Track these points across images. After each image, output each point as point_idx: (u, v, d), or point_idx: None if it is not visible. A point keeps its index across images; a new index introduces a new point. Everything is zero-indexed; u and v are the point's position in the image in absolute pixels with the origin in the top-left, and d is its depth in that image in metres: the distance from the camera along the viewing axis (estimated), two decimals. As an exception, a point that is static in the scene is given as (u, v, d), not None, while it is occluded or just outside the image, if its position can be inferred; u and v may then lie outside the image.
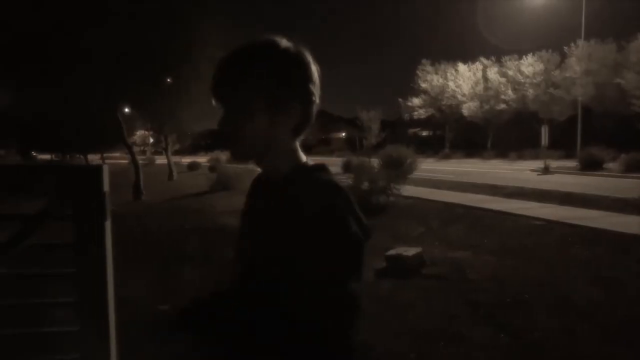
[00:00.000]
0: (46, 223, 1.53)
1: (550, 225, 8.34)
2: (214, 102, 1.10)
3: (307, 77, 1.06)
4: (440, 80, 53.05)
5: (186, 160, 39.06)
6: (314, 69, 1.08)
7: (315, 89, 1.07)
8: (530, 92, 44.51)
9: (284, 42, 1.05)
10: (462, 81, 50.77)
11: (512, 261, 6.11)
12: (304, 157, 1.12)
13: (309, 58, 1.07)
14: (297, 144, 1.12)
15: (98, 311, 1.68)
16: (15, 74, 19.95)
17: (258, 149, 1.07)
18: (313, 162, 1.12)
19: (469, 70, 51.29)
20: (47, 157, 67.53)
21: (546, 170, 22.15)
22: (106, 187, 1.66)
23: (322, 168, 1.10)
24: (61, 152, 61.71)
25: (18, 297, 1.75)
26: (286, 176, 1.07)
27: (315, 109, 1.09)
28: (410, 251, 5.90)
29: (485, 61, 50.70)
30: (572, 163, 25.78)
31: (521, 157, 37.45)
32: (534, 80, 44.74)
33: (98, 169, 1.64)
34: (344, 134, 75.68)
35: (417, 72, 55.48)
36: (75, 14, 17.00)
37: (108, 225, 1.69)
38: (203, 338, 1.25)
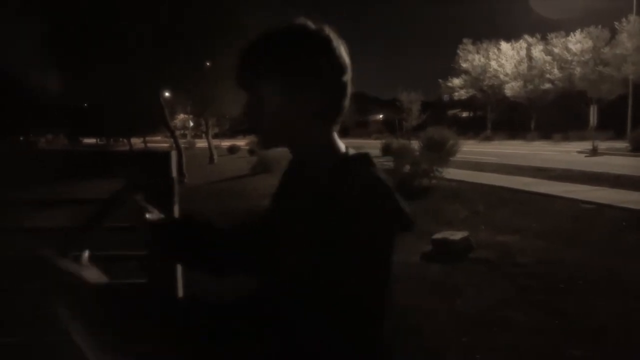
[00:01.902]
0: (120, 206, 1.59)
1: (601, 208, 8.04)
2: (239, 89, 1.07)
3: (331, 61, 1.00)
4: (482, 59, 51.55)
5: (226, 143, 39.62)
6: (342, 53, 1.02)
7: (342, 67, 1.02)
8: (578, 71, 42.66)
9: (308, 26, 1.01)
10: (505, 60, 49.17)
11: (563, 245, 5.94)
12: (343, 147, 1.07)
13: (336, 42, 1.01)
14: (334, 133, 1.07)
15: (168, 292, 1.74)
16: (63, 62, 20.63)
17: (283, 136, 1.04)
18: (354, 152, 1.06)
19: (512, 49, 49.59)
20: (92, 141, 70.03)
21: (594, 152, 21.32)
22: (174, 172, 1.70)
23: (364, 160, 1.04)
24: (106, 136, 63.88)
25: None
26: (325, 169, 1.01)
27: (344, 93, 1.04)
28: (457, 235, 5.83)
29: (529, 39, 48.86)
30: (621, 144, 24.71)
31: (566, 139, 36.19)
32: (582, 58, 42.84)
33: (167, 155, 1.68)
34: (381, 116, 74.89)
35: (458, 51, 54.10)
36: (120, 1, 17.36)
37: (176, 209, 1.74)
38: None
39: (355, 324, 0.95)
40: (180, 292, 1.80)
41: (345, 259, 0.90)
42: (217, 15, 17.92)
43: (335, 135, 1.07)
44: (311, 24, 1.01)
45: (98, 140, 70.44)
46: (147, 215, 1.24)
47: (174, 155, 1.72)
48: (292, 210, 1.04)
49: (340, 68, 1.01)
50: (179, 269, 1.76)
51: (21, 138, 51.50)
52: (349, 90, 1.04)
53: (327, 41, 1.00)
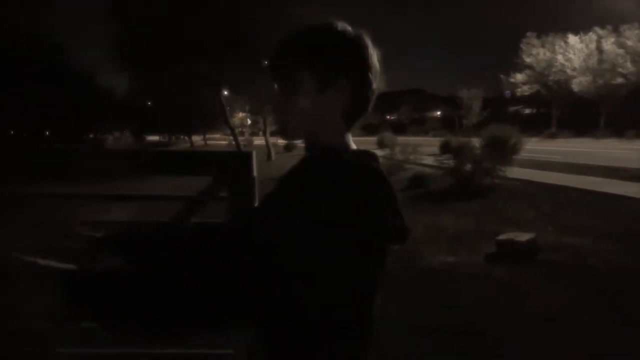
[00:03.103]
0: (206, 203, 1.67)
1: (682, 212, 7.54)
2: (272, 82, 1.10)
3: (360, 59, 1.04)
4: (547, 53, 49.31)
5: (282, 141, 40.17)
6: (372, 54, 1.05)
7: (372, 73, 1.05)
8: (653, 64, 40.03)
9: (341, 25, 1.05)
10: (573, 54, 46.80)
11: (639, 250, 5.62)
12: (353, 146, 1.09)
13: (372, 50, 1.06)
14: (349, 135, 1.09)
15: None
16: (131, 63, 21.62)
17: (306, 129, 1.07)
18: (357, 150, 1.07)
19: (581, 42, 47.10)
20: (155, 138, 73.09)
21: (672, 151, 19.95)
22: (255, 171, 1.76)
23: (366, 155, 1.05)
24: (168, 133, 66.52)
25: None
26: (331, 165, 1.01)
27: (370, 94, 1.07)
28: (523, 236, 5.64)
29: (600, 31, 46.24)
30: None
31: (640, 136, 34.07)
32: (658, 51, 40.15)
33: (248, 155, 1.74)
34: (439, 113, 73.40)
35: (521, 45, 52.02)
36: (182, 2, 17.99)
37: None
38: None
39: (326, 332, 0.94)
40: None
41: (305, 261, 0.88)
42: (274, 15, 18.21)
43: (350, 137, 1.10)
44: (350, 29, 1.05)
45: (161, 137, 73.53)
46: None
47: (254, 155, 1.78)
48: (270, 201, 1.05)
49: (372, 74, 1.05)
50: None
51: (90, 136, 54.46)
52: (374, 97, 1.08)
53: (365, 48, 1.05)
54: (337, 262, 0.91)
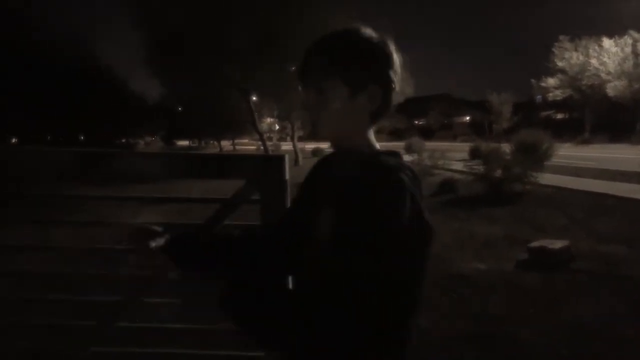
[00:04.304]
0: (238, 206, 1.69)
1: None
2: (300, 87, 1.15)
3: (387, 63, 1.10)
4: (581, 57, 48.12)
5: (310, 146, 40.27)
6: (396, 58, 1.12)
7: (396, 77, 1.11)
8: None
9: (367, 31, 1.11)
10: (607, 58, 45.55)
11: (679, 260, 5.42)
12: (377, 146, 1.15)
13: (392, 47, 1.12)
14: (372, 133, 1.15)
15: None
16: (162, 70, 22.06)
17: (336, 131, 1.12)
18: (386, 150, 1.14)
19: (616, 46, 45.83)
20: (185, 143, 74.31)
21: None
22: (287, 175, 1.77)
23: (392, 154, 1.11)
24: (198, 138, 67.56)
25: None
26: (355, 162, 1.08)
27: (394, 96, 1.13)
28: (557, 244, 5.51)
29: (635, 34, 44.90)
30: None
31: (679, 142, 32.85)
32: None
33: (280, 159, 1.75)
34: (468, 118, 72.41)
35: (554, 49, 50.92)
36: (212, 9, 18.26)
37: (288, 209, 1.80)
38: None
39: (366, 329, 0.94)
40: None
41: (351, 259, 0.91)
42: (303, 20, 18.32)
43: (372, 135, 1.16)
44: (375, 34, 1.11)
45: (190, 142, 74.71)
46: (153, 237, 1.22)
47: (286, 159, 1.79)
48: (318, 205, 1.10)
49: (394, 70, 1.12)
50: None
51: (123, 140, 55.72)
52: (396, 99, 1.14)
53: (390, 52, 1.11)
54: (403, 267, 0.97)
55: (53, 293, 2.19)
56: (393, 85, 1.11)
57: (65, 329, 2.14)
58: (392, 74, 1.11)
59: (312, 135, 1.21)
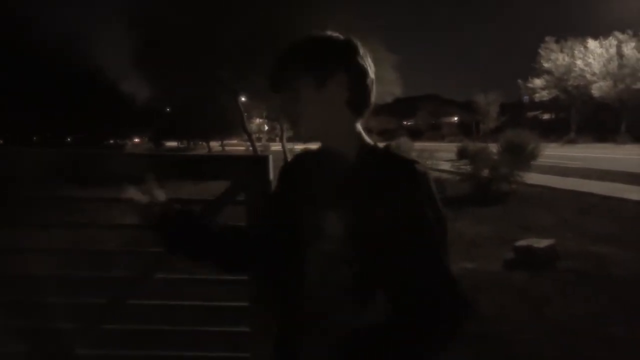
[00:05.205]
0: (224, 207, 1.69)
1: None
2: (273, 92, 1.19)
3: (353, 51, 1.15)
4: (567, 58, 48.66)
5: (299, 147, 40.21)
6: (365, 59, 1.16)
7: (365, 64, 1.15)
8: (676, 68, 39.17)
9: (336, 36, 1.17)
10: (592, 59, 46.12)
11: (662, 258, 5.50)
12: (370, 141, 1.18)
13: (361, 50, 1.16)
14: (360, 127, 1.18)
15: (266, 288, 1.81)
16: (151, 70, 21.90)
17: (318, 127, 1.15)
18: (386, 144, 1.21)
19: (601, 47, 46.42)
20: (173, 144, 73.82)
21: (696, 157, 19.51)
22: (271, 175, 1.78)
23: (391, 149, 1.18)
24: (186, 139, 67.17)
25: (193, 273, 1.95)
26: (362, 159, 1.14)
27: (368, 89, 1.16)
28: (542, 243, 5.57)
29: (620, 36, 45.54)
30: None
31: (663, 142, 33.32)
32: (681, 55, 39.29)
33: (265, 160, 1.75)
34: (456, 119, 72.84)
35: (540, 50, 51.44)
36: (202, 9, 18.17)
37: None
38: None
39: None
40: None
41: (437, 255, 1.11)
42: (292, 22, 18.30)
43: (362, 129, 1.19)
44: (340, 35, 1.17)
45: (179, 143, 74.26)
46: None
47: (270, 159, 1.80)
48: (346, 200, 1.11)
49: (363, 68, 1.15)
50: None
51: (111, 141, 55.15)
52: (373, 88, 1.18)
53: (353, 47, 1.16)
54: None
55: (37, 296, 2.17)
56: (364, 70, 1.14)
57: (51, 331, 2.12)
58: (359, 59, 1.14)
59: (296, 138, 1.23)
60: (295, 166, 1.30)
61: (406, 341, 1.03)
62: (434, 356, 1.06)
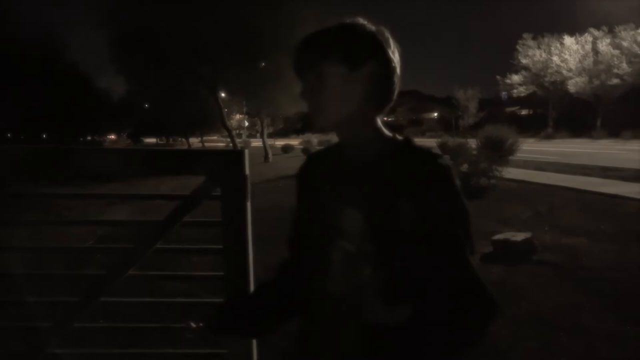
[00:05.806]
0: (199, 202, 1.66)
1: (679, 211, 7.55)
2: (297, 78, 1.14)
3: (384, 43, 1.09)
4: (544, 55, 49.46)
5: (279, 143, 40.13)
6: (394, 53, 1.11)
7: (394, 59, 1.10)
8: (649, 65, 40.08)
9: (368, 25, 1.11)
10: (569, 55, 46.94)
11: (637, 249, 5.62)
12: (390, 133, 1.15)
13: (391, 44, 1.11)
14: (379, 121, 1.14)
15: (242, 285, 1.79)
16: (128, 66, 21.57)
17: (337, 118, 1.10)
18: (405, 138, 1.15)
19: (577, 43, 47.25)
20: (152, 140, 72.98)
21: (668, 151, 19.99)
22: (247, 170, 1.75)
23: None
24: (165, 135, 66.45)
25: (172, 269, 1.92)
26: (384, 153, 1.10)
27: (392, 84, 1.11)
28: (519, 236, 5.64)
29: (595, 32, 46.41)
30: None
31: (637, 137, 34.09)
32: (654, 51, 40.22)
33: (240, 154, 1.73)
34: (436, 114, 73.50)
35: (517, 47, 52.17)
36: (180, 4, 17.96)
37: (248, 205, 1.78)
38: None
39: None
40: (251, 282, 1.83)
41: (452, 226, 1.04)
42: (272, 17, 18.20)
43: (381, 123, 1.15)
44: (372, 25, 1.11)
45: (158, 139, 73.44)
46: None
47: (246, 153, 1.77)
48: (376, 196, 1.07)
49: (393, 63, 1.10)
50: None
51: (89, 138, 54.29)
52: (397, 84, 1.12)
53: (385, 39, 1.10)
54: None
55: (8, 294, 2.11)
56: (393, 65, 1.10)
57: (23, 329, 2.07)
58: (390, 53, 1.09)
59: (310, 126, 1.18)
60: (312, 167, 1.26)
61: (435, 340, 1.01)
62: (462, 355, 1.04)
